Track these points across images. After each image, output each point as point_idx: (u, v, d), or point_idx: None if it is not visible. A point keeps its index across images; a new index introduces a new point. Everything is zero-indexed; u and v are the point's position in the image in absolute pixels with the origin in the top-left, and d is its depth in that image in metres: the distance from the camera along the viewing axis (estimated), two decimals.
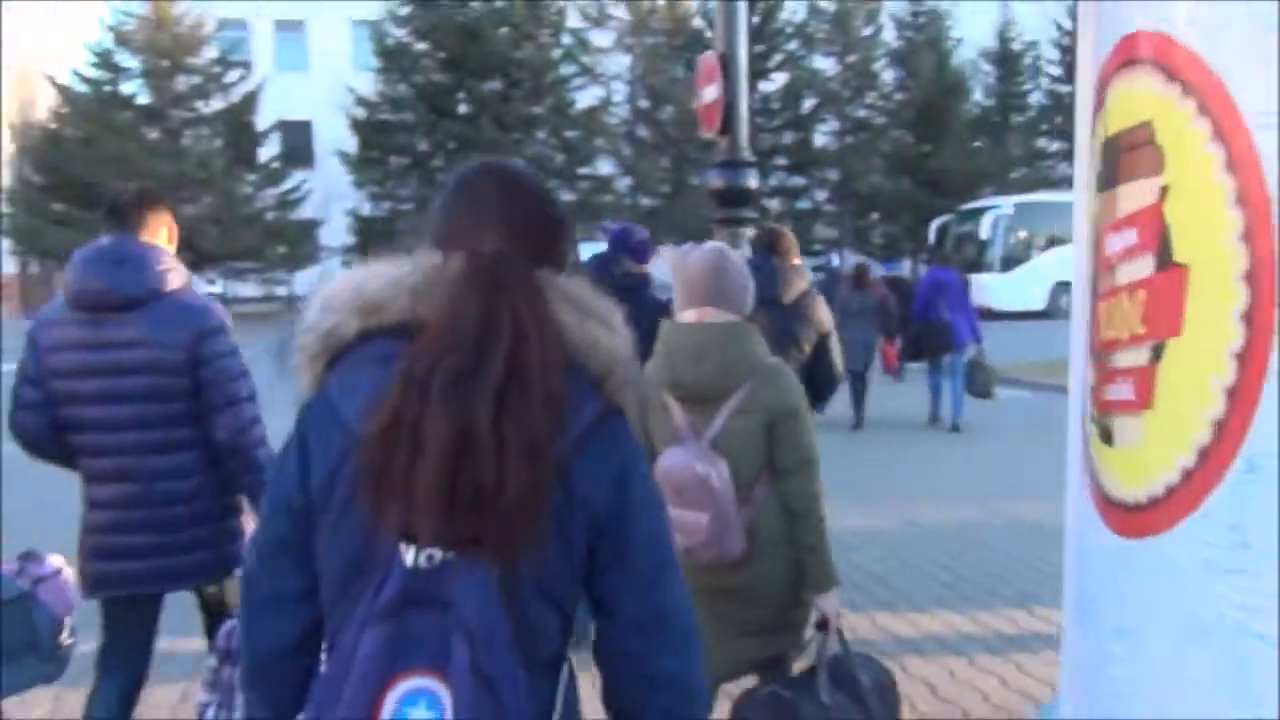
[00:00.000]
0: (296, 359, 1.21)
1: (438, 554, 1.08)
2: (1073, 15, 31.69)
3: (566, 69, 28.91)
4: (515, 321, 1.10)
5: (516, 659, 1.07)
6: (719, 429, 2.33)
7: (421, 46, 28.35)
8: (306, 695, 1.18)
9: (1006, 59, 32.07)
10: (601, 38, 28.85)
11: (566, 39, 28.75)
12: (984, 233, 23.99)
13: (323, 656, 1.21)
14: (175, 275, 2.54)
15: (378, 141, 28.31)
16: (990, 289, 21.85)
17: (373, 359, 1.14)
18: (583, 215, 28.27)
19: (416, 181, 28.48)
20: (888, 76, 30.61)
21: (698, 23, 30.20)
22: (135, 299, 2.45)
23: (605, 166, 29.04)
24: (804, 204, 30.33)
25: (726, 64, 7.78)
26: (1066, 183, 30.84)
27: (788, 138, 29.94)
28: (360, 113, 28.27)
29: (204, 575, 2.64)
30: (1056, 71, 32.34)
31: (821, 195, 30.92)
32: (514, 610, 1.08)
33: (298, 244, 28.73)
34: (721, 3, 7.86)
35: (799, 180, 30.53)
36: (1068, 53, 31.82)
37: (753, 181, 7.94)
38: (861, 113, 30.30)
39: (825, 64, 30.03)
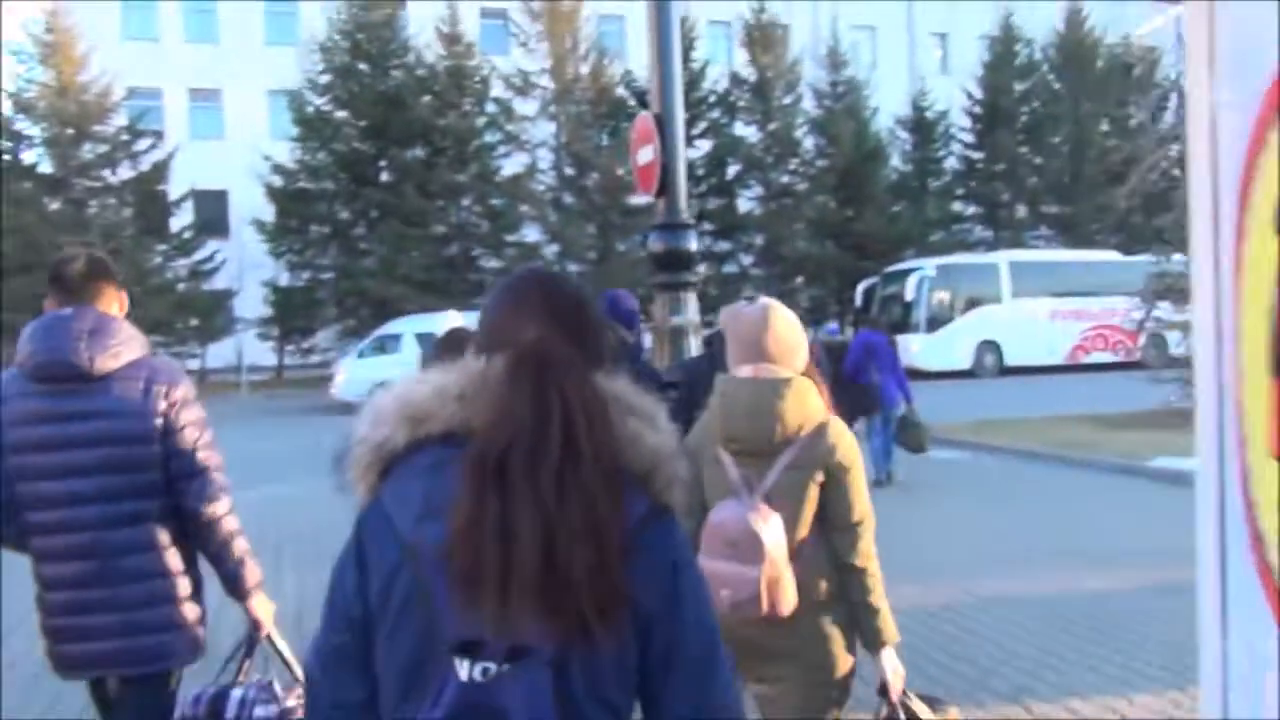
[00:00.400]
0: (351, 471, 1.22)
1: (493, 667, 1.11)
2: (983, 85, 32.95)
3: (491, 136, 28.77)
4: (564, 400, 1.11)
5: None
6: (773, 483, 2.31)
7: (342, 115, 27.94)
8: None
9: (921, 126, 33.06)
10: (526, 106, 28.84)
11: (490, 107, 28.66)
12: (909, 294, 24.31)
13: None
14: (138, 343, 2.48)
15: (296, 210, 27.62)
16: (916, 350, 22.04)
17: (423, 469, 1.17)
18: None
19: (336, 250, 27.79)
20: (809, 144, 31.21)
21: (620, 92, 30.51)
22: (101, 369, 2.38)
23: (532, 233, 28.78)
24: (731, 268, 30.49)
25: (663, 125, 7.50)
26: (982, 245, 31.76)
27: (713, 203, 30.20)
28: (277, 181, 27.58)
29: (173, 658, 2.48)
30: (968, 138, 33.45)
31: (748, 259, 31.17)
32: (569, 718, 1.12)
33: (210, 316, 27.61)
34: (656, 63, 7.60)
35: (725, 245, 30.75)
36: (978, 120, 33.02)
37: (692, 244, 7.63)
38: (784, 179, 30.77)
39: (748, 131, 30.52)
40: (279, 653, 2.64)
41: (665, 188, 7.55)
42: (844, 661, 2.37)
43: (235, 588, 2.52)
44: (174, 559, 2.46)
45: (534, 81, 28.52)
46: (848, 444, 2.36)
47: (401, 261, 25.90)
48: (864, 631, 2.36)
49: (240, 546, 2.49)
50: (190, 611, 2.49)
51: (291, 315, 28.08)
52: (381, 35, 28.18)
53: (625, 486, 1.13)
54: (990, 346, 24.39)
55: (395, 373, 20.79)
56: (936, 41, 44.07)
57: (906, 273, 25.33)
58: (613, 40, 32.15)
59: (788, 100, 30.55)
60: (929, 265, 25.16)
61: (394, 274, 25.76)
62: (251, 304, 28.02)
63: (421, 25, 28.60)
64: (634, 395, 1.19)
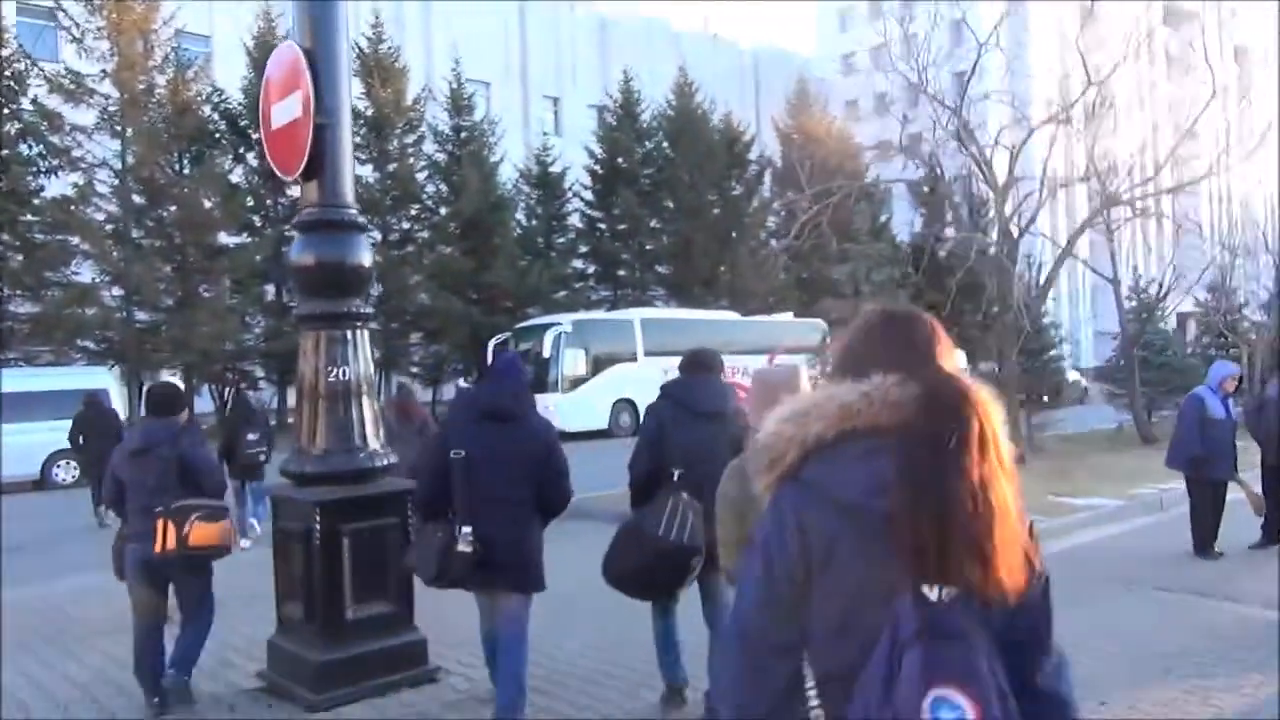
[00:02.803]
0: (757, 462, 1.55)
1: (951, 591, 1.37)
2: (604, 144, 33.16)
3: (27, 148, 22.69)
4: (976, 418, 1.42)
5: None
6: None
7: None
8: None
9: (545, 182, 32.31)
10: (80, 115, 23.20)
11: (28, 111, 22.61)
12: (545, 351, 22.90)
13: (809, 691, 1.47)
14: None
15: None
16: (556, 410, 20.46)
17: (858, 454, 1.45)
18: (53, 332, 21.86)
19: None
20: (430, 189, 28.94)
21: (207, 112, 25.98)
22: None
23: (85, 272, 23.02)
24: None
25: (316, 65, 4.83)
26: (604, 303, 31.20)
27: None
28: None
29: None
30: (589, 197, 33.34)
31: None
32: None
33: None
34: None
35: None
36: (598, 180, 33.09)
37: (365, 255, 4.99)
38: (404, 225, 28.11)
39: (363, 170, 27.47)
40: None
41: (318, 164, 4.86)
42: None
43: None
44: None
45: (90, 86, 23.02)
46: None
47: None
48: None
49: None
50: None
51: None
52: None
53: None
54: (626, 405, 23.66)
55: None
56: (549, 104, 44.57)
57: (540, 329, 23.96)
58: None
59: (409, 140, 28.06)
60: (565, 321, 24.00)
61: None
62: None
63: None
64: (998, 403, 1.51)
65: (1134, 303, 18.54)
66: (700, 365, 4.44)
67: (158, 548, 4.49)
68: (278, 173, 4.86)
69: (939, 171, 14.26)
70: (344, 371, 4.63)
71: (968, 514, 1.35)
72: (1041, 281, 14.24)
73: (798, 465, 1.48)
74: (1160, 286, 17.60)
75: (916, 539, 1.35)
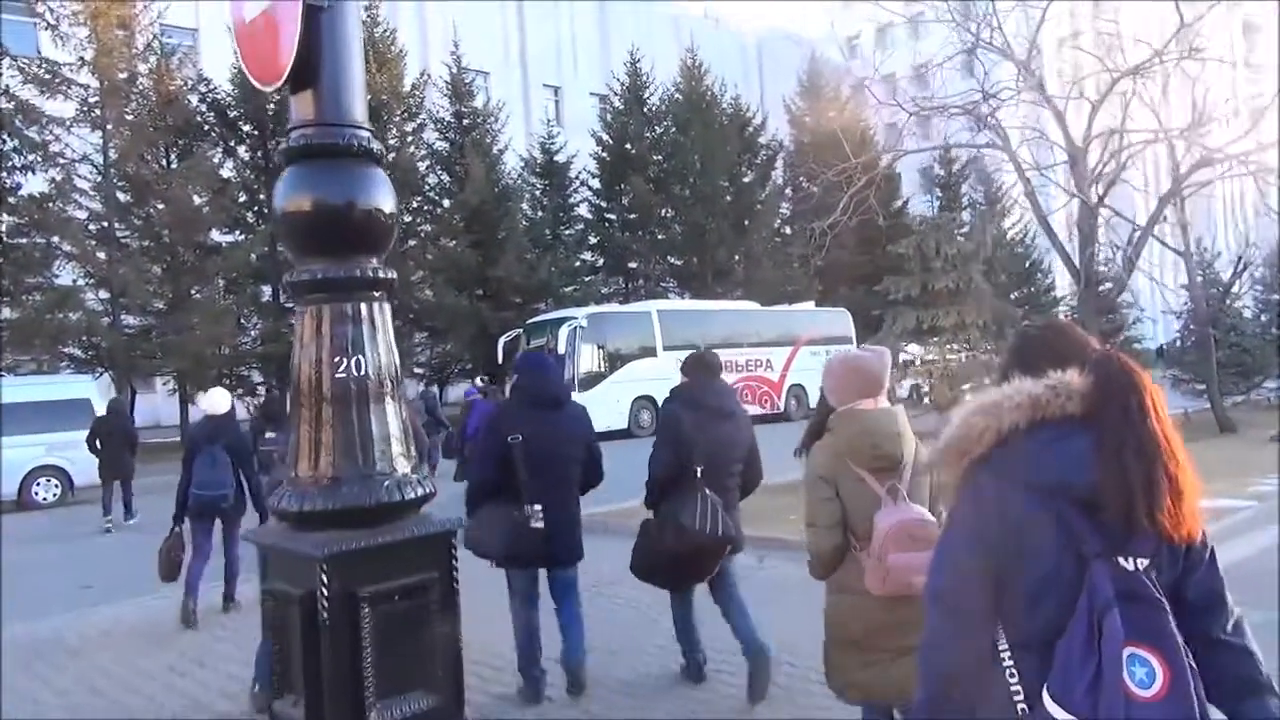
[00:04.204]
0: (948, 452, 1.73)
1: (1144, 561, 1.58)
2: (608, 129, 31.61)
3: (1, 143, 21.20)
4: (1141, 400, 1.64)
5: None
6: (909, 486, 3.02)
7: None
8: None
9: (551, 172, 30.82)
10: (58, 107, 21.72)
11: (1, 102, 21.13)
12: (560, 347, 21.44)
13: (1004, 656, 1.65)
14: None
15: None
16: None
17: (1050, 439, 1.64)
18: (34, 339, 20.39)
19: None
20: (433, 179, 27.44)
21: (194, 103, 24.51)
22: None
23: (66, 274, 21.55)
24: None
25: None
26: (616, 297, 29.45)
27: None
28: None
29: None
30: (596, 186, 31.83)
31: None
32: None
33: None
34: None
35: None
36: (606, 168, 31.57)
37: (384, 196, 3.52)
38: (406, 218, 26.63)
39: None
40: None
41: (311, 64, 3.39)
42: None
43: None
44: None
45: (68, 75, 21.52)
46: None
47: None
48: None
49: None
50: None
51: None
52: None
53: None
54: (647, 402, 22.22)
55: None
56: (550, 93, 43.07)
57: (553, 323, 22.53)
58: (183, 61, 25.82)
59: (408, 129, 26.54)
60: (580, 315, 22.52)
61: None
62: None
63: None
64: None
65: (1200, 278, 17.17)
66: (710, 368, 4.68)
67: None
68: (254, 82, 3.41)
69: (1001, 134, 12.82)
70: (358, 363, 3.20)
71: (1166, 461, 1.57)
72: (1129, 253, 12.85)
73: (989, 453, 1.67)
74: (1240, 259, 16.24)
75: (1125, 495, 1.55)
